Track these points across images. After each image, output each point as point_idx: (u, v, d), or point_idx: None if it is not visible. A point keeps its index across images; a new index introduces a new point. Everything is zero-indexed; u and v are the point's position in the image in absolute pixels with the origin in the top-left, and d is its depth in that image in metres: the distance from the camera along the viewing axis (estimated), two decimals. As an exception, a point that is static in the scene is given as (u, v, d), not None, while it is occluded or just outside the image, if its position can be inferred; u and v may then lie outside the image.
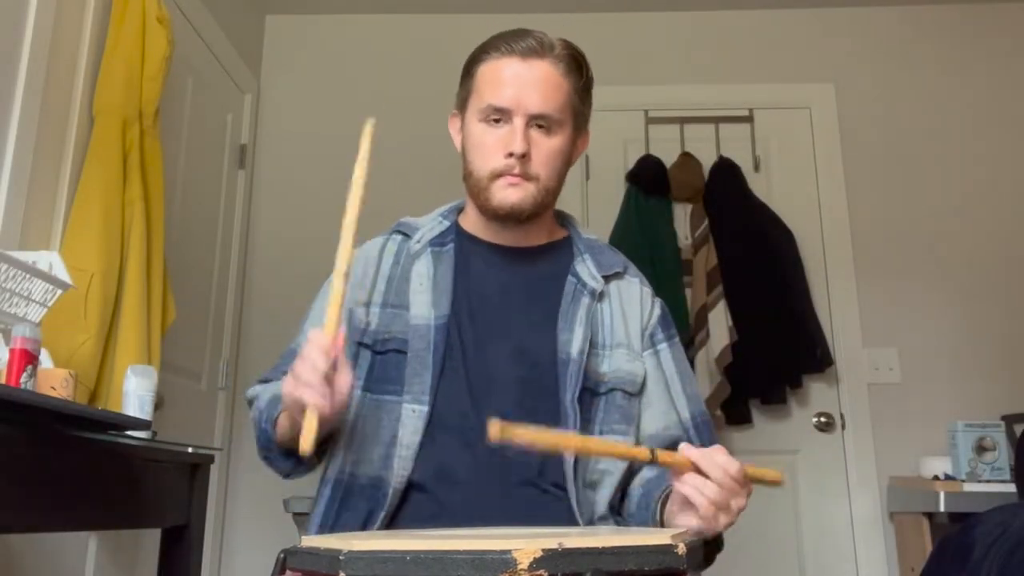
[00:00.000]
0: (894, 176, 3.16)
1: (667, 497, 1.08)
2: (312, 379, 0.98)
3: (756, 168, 3.16)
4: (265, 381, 1.30)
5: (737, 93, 3.24)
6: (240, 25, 3.14)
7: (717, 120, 3.18)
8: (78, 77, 2.05)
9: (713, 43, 3.32)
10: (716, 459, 0.96)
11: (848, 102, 3.23)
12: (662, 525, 1.08)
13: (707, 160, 3.11)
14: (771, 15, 3.33)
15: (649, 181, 3.06)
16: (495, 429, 0.88)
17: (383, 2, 3.33)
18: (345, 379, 1.01)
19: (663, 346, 1.28)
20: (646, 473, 1.20)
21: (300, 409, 1.00)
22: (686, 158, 3.11)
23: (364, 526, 1.13)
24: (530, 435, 0.91)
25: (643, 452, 0.98)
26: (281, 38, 3.39)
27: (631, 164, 3.13)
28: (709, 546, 1.04)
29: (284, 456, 1.20)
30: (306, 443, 0.98)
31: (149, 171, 2.14)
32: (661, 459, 0.98)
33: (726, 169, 3.08)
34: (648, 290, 1.32)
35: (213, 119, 2.94)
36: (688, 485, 0.96)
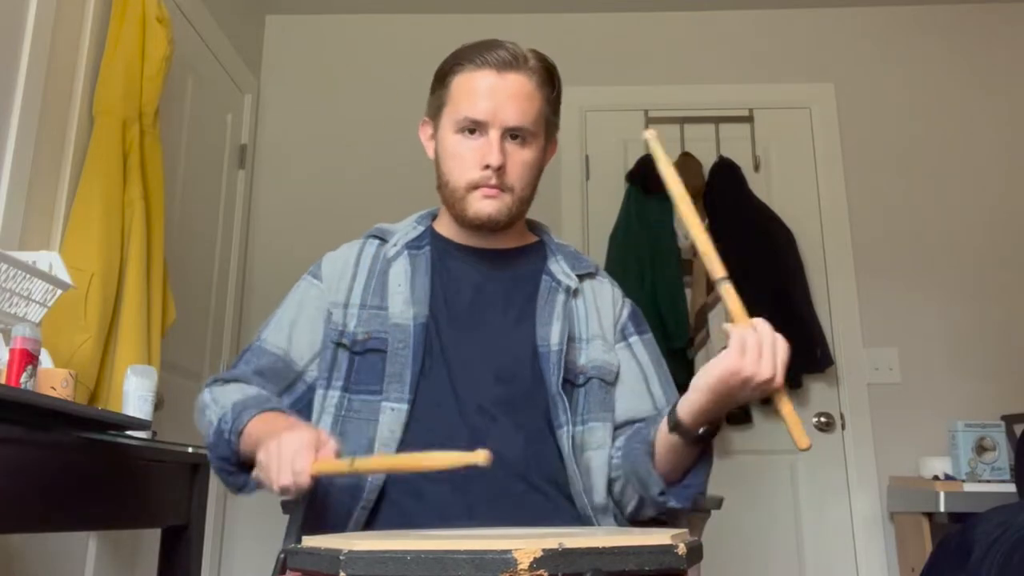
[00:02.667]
0: (894, 176, 3.16)
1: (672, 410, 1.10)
2: (273, 484, 0.98)
3: (756, 168, 3.16)
4: (220, 381, 1.26)
5: (737, 93, 3.24)
6: (240, 25, 3.14)
7: (717, 120, 3.18)
8: (78, 77, 2.05)
9: (713, 43, 3.32)
10: (774, 339, 1.05)
11: (848, 102, 3.23)
12: (674, 428, 1.09)
13: (707, 160, 3.11)
14: (771, 15, 3.33)
15: (649, 181, 3.06)
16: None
17: (383, 2, 3.33)
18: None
19: (635, 339, 1.31)
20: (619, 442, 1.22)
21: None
22: (686, 158, 3.11)
23: (344, 523, 1.13)
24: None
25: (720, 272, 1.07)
26: (281, 38, 3.39)
27: (631, 164, 3.13)
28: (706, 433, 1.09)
29: (240, 471, 1.17)
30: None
31: (149, 171, 2.14)
32: (728, 294, 1.06)
33: (726, 169, 3.08)
34: (619, 291, 1.36)
35: (213, 119, 2.94)
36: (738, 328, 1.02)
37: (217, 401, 1.21)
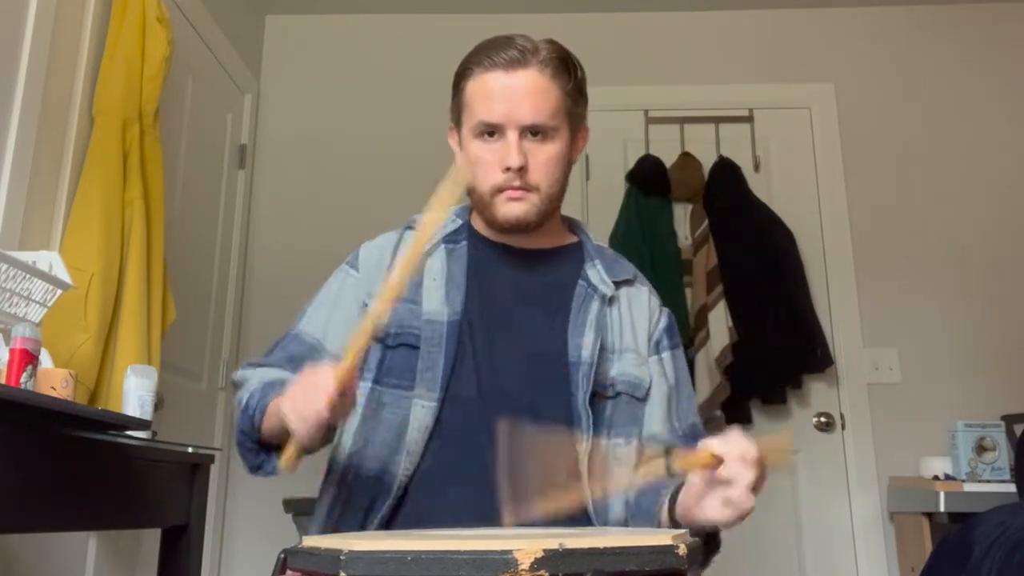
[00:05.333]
0: (894, 176, 3.16)
1: (673, 501, 1.06)
2: (308, 418, 0.96)
3: (756, 168, 3.16)
4: (253, 365, 1.27)
5: (737, 93, 3.24)
6: (240, 25, 3.14)
7: (717, 120, 3.18)
8: (78, 77, 2.05)
9: (713, 43, 3.32)
10: (732, 440, 0.93)
11: (848, 102, 3.23)
12: (674, 525, 1.06)
13: (707, 160, 3.11)
14: (771, 15, 3.33)
15: (649, 181, 3.06)
16: (508, 516, 0.87)
17: (383, 2, 3.33)
18: (344, 413, 0.99)
19: (667, 354, 1.29)
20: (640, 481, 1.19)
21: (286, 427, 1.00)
22: (686, 158, 3.11)
23: (366, 517, 1.13)
24: (547, 506, 0.89)
25: (661, 468, 0.97)
26: (281, 38, 3.39)
27: (631, 164, 3.13)
28: (707, 547, 1.03)
29: (259, 450, 1.17)
30: (286, 464, 1.00)
31: (149, 171, 2.14)
32: (681, 466, 0.96)
33: (726, 169, 3.08)
34: (656, 300, 1.33)
35: (213, 119, 2.94)
36: (725, 473, 0.93)
37: (248, 380, 1.22)
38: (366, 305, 1.23)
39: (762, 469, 0.94)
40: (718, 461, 0.94)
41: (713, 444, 0.94)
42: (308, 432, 0.97)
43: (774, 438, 0.99)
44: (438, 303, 1.20)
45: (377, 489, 1.14)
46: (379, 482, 1.14)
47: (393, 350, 1.20)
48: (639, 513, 1.15)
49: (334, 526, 1.16)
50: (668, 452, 0.96)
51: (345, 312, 1.26)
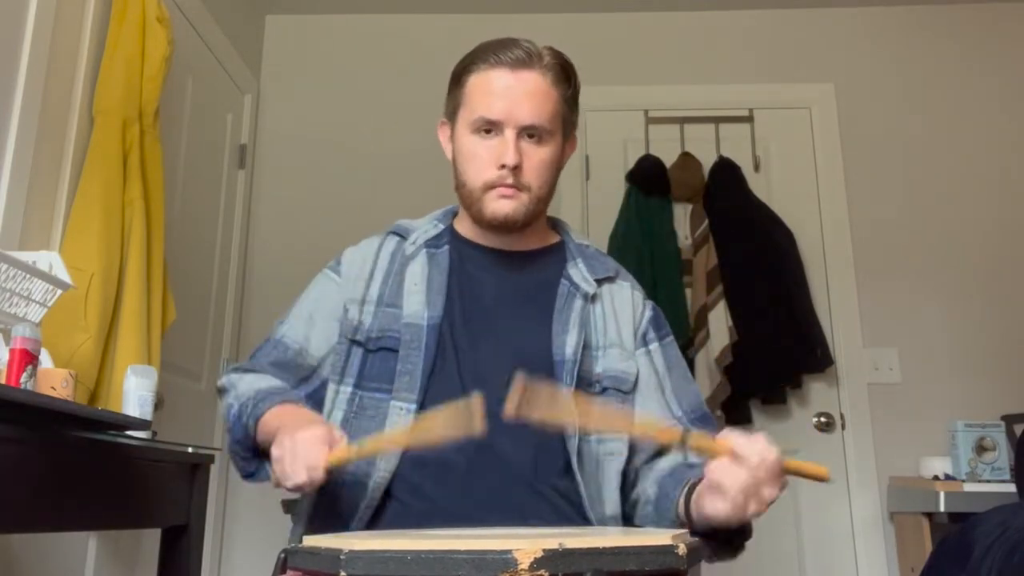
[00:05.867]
0: (894, 176, 3.17)
1: (690, 490, 1.06)
2: (287, 482, 0.99)
3: (756, 168, 3.16)
4: (240, 370, 1.28)
5: (737, 93, 3.24)
6: (240, 25, 3.14)
7: (717, 120, 3.18)
8: (78, 77, 2.05)
9: (713, 43, 3.32)
10: (755, 445, 0.93)
11: (848, 102, 3.23)
12: (688, 517, 1.05)
13: (707, 160, 3.11)
14: (771, 15, 3.33)
15: (649, 181, 3.06)
16: (512, 404, 0.85)
17: (383, 2, 3.33)
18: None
19: (655, 345, 1.29)
20: (658, 473, 1.19)
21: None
22: (686, 158, 3.11)
23: (348, 523, 1.13)
24: (546, 412, 0.88)
25: (674, 434, 0.95)
26: (281, 38, 3.39)
27: (631, 164, 3.13)
28: (738, 535, 1.03)
29: (253, 458, 1.19)
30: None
31: (149, 171, 2.14)
32: (695, 444, 0.95)
33: (726, 169, 3.08)
34: (639, 293, 1.33)
35: (213, 119, 2.94)
36: (720, 470, 0.94)
37: (236, 386, 1.23)
38: (347, 310, 1.24)
39: (777, 477, 0.93)
40: (736, 457, 0.93)
41: (736, 440, 0.94)
42: (284, 485, 1.00)
43: (809, 464, 0.98)
44: (418, 307, 1.21)
45: (358, 495, 1.13)
46: (360, 487, 1.13)
47: (373, 354, 1.20)
48: (661, 506, 1.14)
49: (316, 531, 1.16)
50: (686, 433, 0.94)
51: (326, 316, 1.27)
